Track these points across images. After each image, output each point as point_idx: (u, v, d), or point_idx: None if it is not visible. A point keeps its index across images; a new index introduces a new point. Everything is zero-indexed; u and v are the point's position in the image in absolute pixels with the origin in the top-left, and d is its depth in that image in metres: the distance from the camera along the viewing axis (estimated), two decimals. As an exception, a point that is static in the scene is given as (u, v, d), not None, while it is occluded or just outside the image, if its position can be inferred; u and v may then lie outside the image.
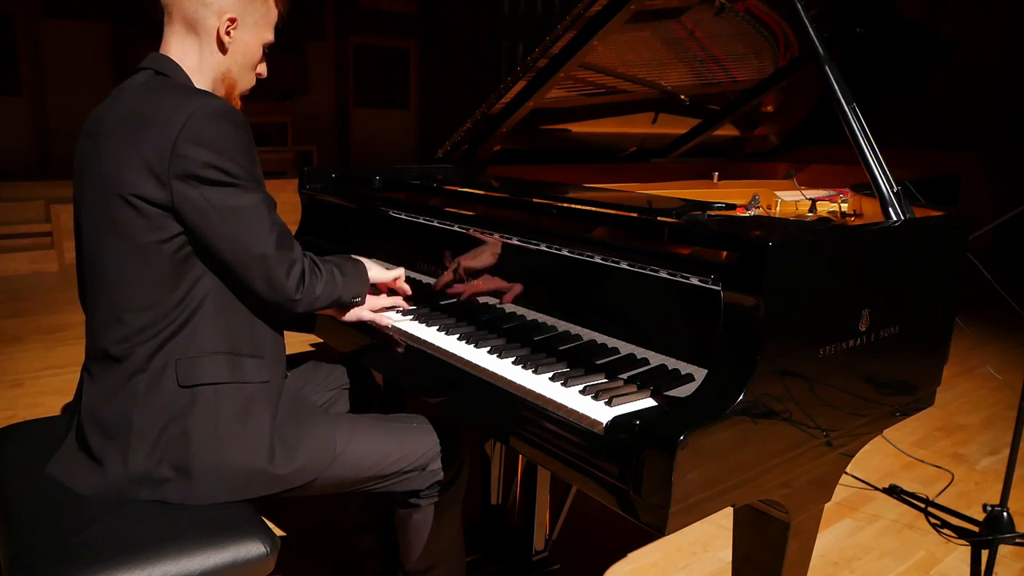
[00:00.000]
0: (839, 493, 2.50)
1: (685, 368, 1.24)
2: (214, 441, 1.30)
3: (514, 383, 1.32)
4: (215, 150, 1.25)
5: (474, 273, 1.67)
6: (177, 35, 1.38)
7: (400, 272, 1.69)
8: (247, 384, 1.36)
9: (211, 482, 1.30)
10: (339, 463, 1.41)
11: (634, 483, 1.08)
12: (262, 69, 1.50)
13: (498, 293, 1.60)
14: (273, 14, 1.46)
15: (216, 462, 1.30)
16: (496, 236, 1.59)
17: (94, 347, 1.35)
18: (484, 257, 1.64)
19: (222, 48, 1.39)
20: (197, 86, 1.38)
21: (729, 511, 1.38)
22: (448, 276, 1.74)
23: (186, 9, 1.36)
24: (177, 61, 1.38)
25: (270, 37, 1.47)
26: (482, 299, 1.65)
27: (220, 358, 1.34)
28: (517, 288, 1.56)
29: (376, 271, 1.63)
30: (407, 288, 1.71)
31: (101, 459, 1.30)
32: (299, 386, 1.67)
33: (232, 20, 1.37)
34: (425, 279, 1.83)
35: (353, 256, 1.61)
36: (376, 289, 1.66)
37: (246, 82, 1.48)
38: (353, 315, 1.59)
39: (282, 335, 1.47)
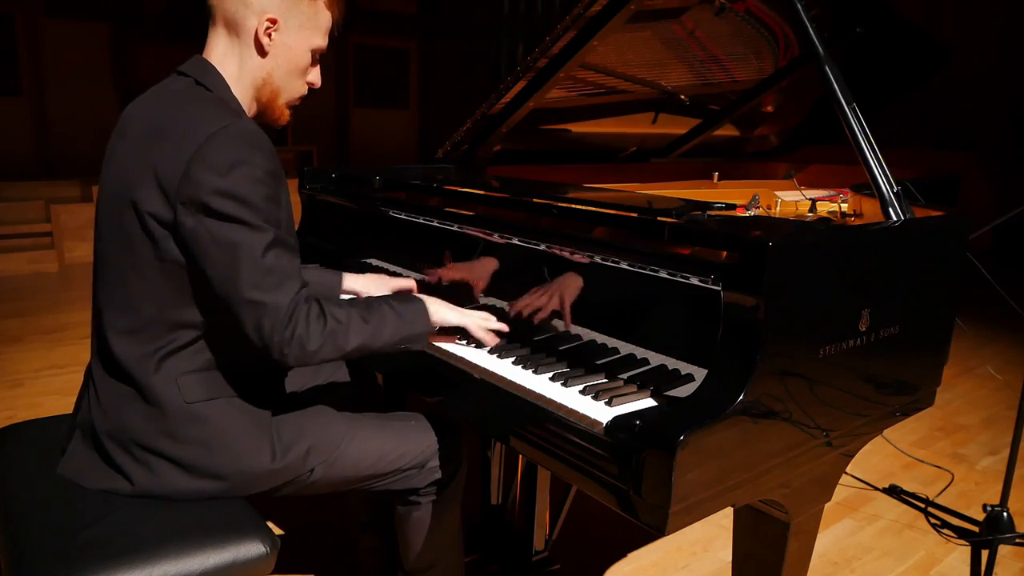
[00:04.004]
0: (839, 493, 2.49)
1: (685, 368, 1.24)
2: (230, 448, 1.31)
3: (514, 383, 1.32)
4: (227, 178, 1.18)
5: (474, 274, 1.67)
6: (219, 37, 1.33)
7: (471, 322, 1.46)
8: (251, 395, 1.36)
9: (240, 485, 1.33)
10: (340, 461, 1.41)
11: (634, 483, 1.08)
12: (314, 77, 1.41)
13: (499, 294, 1.60)
14: (324, 17, 1.37)
15: (239, 467, 1.32)
16: (496, 236, 1.59)
17: (99, 353, 1.35)
18: (484, 257, 1.64)
19: (261, 51, 1.32)
20: (236, 93, 1.34)
21: (729, 511, 1.38)
22: (448, 276, 1.74)
23: (227, 9, 1.30)
24: (217, 66, 1.32)
25: (320, 42, 1.37)
26: (482, 299, 1.65)
27: (222, 373, 1.34)
28: (517, 288, 1.56)
29: (445, 312, 1.45)
30: (492, 340, 1.48)
31: (126, 472, 1.30)
32: (300, 386, 1.67)
33: (272, 21, 1.30)
34: (426, 279, 1.82)
35: (417, 295, 1.46)
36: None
37: (293, 90, 1.39)
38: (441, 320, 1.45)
39: None
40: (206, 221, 1.19)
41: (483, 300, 1.64)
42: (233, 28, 1.32)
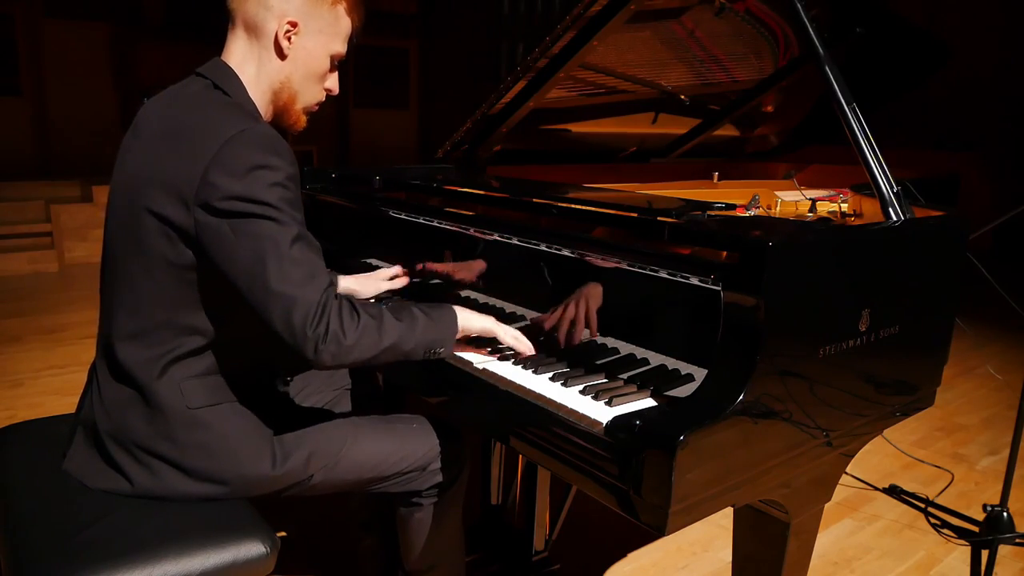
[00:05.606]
0: (839, 493, 2.49)
1: (685, 368, 1.24)
2: (231, 453, 1.31)
3: (514, 383, 1.32)
4: (245, 182, 1.17)
5: (473, 274, 1.67)
6: (238, 39, 1.33)
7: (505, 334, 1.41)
8: (253, 400, 1.36)
9: (240, 489, 1.33)
10: (341, 465, 1.41)
11: (634, 483, 1.08)
12: (332, 84, 1.42)
13: (499, 294, 1.60)
14: (344, 23, 1.37)
15: (240, 472, 1.32)
16: (496, 236, 1.58)
17: (104, 354, 1.34)
18: (483, 258, 1.64)
19: (280, 54, 1.32)
20: (253, 96, 1.34)
21: (729, 511, 1.38)
22: (448, 277, 1.74)
23: (248, 11, 1.31)
24: (236, 69, 1.32)
25: (339, 49, 1.38)
26: (482, 300, 1.65)
27: (225, 378, 1.34)
28: (518, 289, 1.56)
29: (475, 320, 1.40)
30: (525, 347, 1.42)
31: (126, 472, 1.30)
32: (301, 387, 1.67)
33: (293, 24, 1.31)
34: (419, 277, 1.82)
35: (443, 305, 1.41)
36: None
37: (310, 95, 1.40)
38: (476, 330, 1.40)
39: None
40: (228, 222, 1.18)
41: (483, 300, 1.64)
42: (253, 31, 1.32)
